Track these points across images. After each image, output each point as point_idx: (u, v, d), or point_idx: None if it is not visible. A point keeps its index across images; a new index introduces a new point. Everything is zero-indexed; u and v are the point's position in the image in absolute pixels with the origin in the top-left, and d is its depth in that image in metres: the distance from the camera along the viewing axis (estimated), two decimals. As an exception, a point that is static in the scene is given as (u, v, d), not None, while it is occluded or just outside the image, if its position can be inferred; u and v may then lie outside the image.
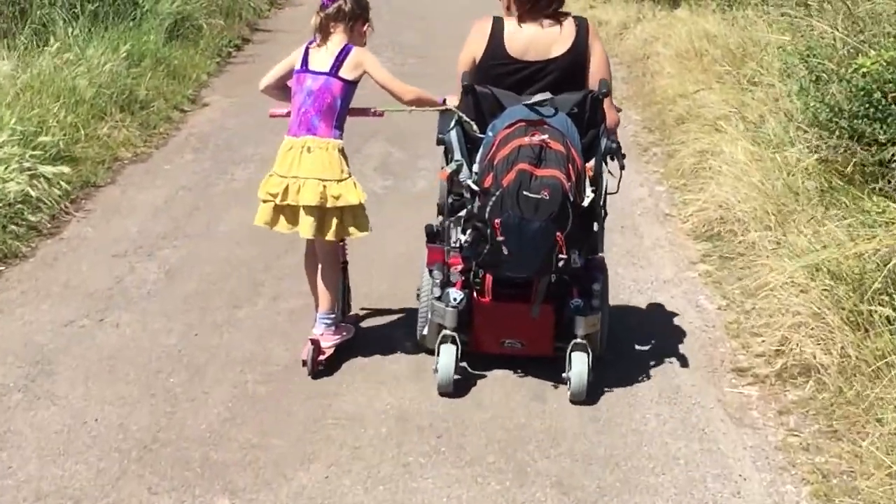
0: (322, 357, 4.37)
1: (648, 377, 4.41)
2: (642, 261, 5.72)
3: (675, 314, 5.03)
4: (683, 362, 4.55)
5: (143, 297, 5.12)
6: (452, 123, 4.20)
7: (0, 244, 5.57)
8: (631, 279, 5.46)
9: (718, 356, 4.62)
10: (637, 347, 4.71)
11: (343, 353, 4.49)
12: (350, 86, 4.30)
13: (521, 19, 4.20)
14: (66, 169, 6.57)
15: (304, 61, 4.31)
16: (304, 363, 4.33)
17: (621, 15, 12.42)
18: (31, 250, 5.68)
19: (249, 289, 5.25)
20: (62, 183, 6.43)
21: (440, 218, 4.45)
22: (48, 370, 4.35)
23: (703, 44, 9.24)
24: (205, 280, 5.35)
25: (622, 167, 4.27)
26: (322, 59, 4.29)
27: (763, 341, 4.62)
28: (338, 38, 4.32)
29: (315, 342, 4.35)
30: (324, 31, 4.32)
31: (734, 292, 5.20)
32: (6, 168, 6.12)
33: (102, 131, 7.60)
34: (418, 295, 4.52)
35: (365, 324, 4.86)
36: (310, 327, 4.51)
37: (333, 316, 4.47)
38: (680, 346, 4.70)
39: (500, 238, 3.87)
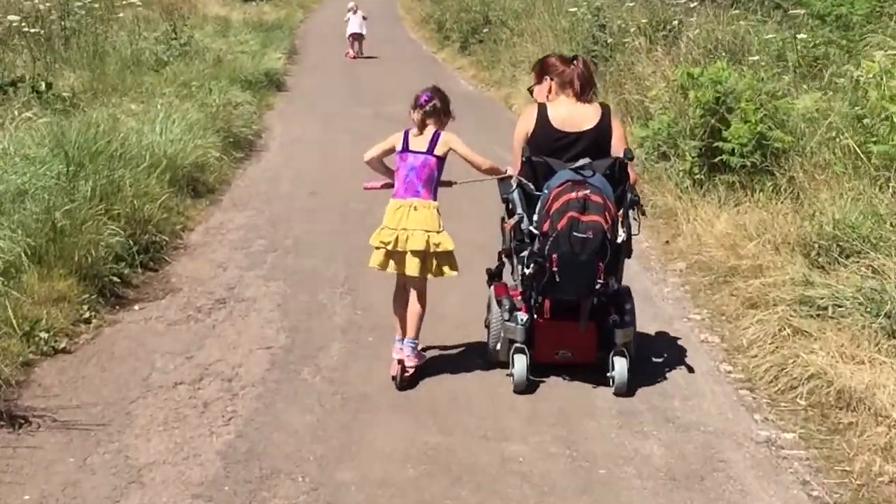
0: (407, 375, 5.56)
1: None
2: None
3: None
4: None
5: None
6: (514, 186, 5.57)
7: None
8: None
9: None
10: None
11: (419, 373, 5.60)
12: (441, 161, 5.63)
13: (562, 103, 5.61)
14: None
15: (405, 143, 5.65)
16: (394, 379, 5.52)
17: None
18: None
19: None
20: None
21: (497, 262, 5.81)
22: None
23: None
24: None
25: (644, 214, 5.67)
26: (420, 142, 5.64)
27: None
28: (431, 127, 5.67)
29: (401, 362, 5.56)
30: (421, 124, 5.66)
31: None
32: None
33: None
34: (486, 324, 5.81)
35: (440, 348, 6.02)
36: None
37: (417, 342, 5.69)
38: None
39: (555, 269, 5.23)
